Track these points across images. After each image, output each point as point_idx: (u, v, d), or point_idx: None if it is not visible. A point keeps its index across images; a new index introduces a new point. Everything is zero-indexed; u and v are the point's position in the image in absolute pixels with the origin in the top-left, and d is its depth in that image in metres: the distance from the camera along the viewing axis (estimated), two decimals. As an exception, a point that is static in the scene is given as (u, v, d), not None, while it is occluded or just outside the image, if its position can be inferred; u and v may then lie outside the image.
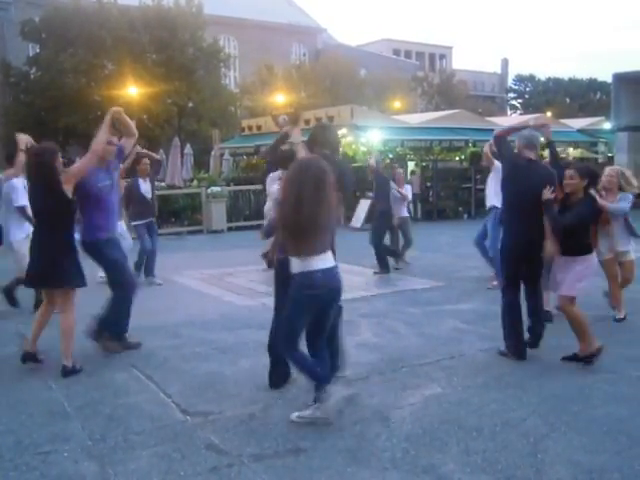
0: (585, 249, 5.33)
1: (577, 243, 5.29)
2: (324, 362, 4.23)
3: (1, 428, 4.11)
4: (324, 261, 4.02)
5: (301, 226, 3.89)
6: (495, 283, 7.91)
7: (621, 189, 6.52)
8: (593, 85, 64.67)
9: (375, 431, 4.02)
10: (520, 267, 5.51)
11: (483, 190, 21.51)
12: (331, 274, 4.06)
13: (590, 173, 5.37)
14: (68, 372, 5.12)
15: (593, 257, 5.44)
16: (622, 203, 6.47)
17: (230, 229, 16.83)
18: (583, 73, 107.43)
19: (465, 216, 20.01)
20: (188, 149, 23.24)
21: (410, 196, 10.82)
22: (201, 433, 4.02)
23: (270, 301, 7.99)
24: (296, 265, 4.03)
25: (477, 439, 3.90)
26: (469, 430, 4.02)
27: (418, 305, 7.64)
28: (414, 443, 3.84)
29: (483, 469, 3.52)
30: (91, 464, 3.61)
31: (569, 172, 5.30)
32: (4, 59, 36.72)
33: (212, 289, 8.96)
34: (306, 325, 4.15)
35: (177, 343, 6.12)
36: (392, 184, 10.24)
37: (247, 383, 4.93)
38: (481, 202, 20.52)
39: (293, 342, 4.09)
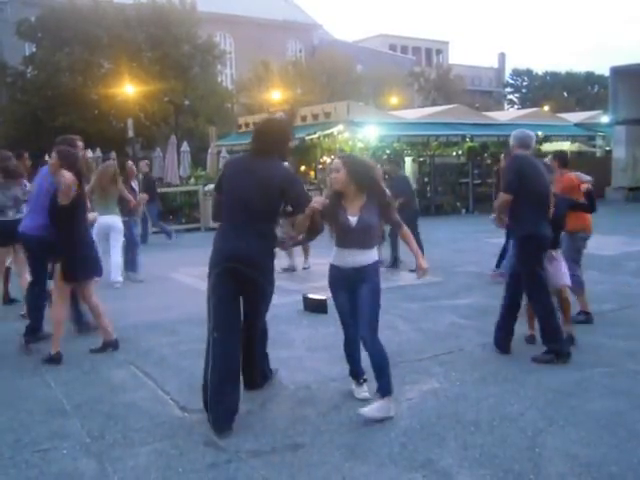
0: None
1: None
2: None
3: (1, 426, 4.12)
4: None
5: None
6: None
7: None
8: (590, 79, 64.69)
9: (373, 426, 4.02)
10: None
11: (480, 185, 21.51)
12: None
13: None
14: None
15: None
16: None
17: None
18: (580, 67, 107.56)
19: (463, 211, 20.04)
20: (185, 147, 23.23)
21: None
22: (199, 430, 4.02)
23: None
24: None
25: (475, 433, 3.91)
26: (467, 425, 4.03)
27: (416, 300, 7.65)
28: (412, 438, 3.85)
29: (481, 463, 3.53)
30: (90, 461, 3.62)
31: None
32: (0, 58, 36.66)
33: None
34: None
35: (174, 340, 6.12)
36: None
37: (245, 380, 4.93)
38: (479, 197, 20.66)
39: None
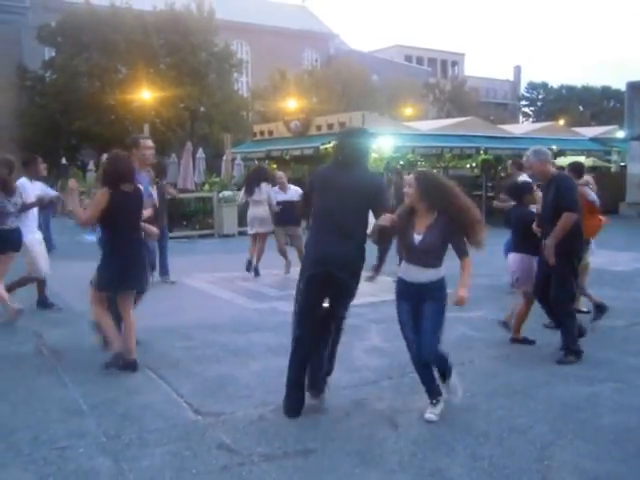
0: None
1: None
2: None
3: (19, 424, 4.21)
4: None
5: None
6: None
7: None
8: (607, 93, 64.64)
9: (383, 434, 4.08)
10: None
11: (493, 198, 21.54)
12: None
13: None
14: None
15: None
16: None
17: (241, 233, 16.91)
18: (597, 81, 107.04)
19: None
20: (200, 153, 23.42)
21: None
22: (213, 433, 4.10)
23: (280, 304, 8.12)
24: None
25: (484, 444, 3.95)
26: (476, 435, 4.08)
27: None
28: (421, 447, 3.90)
29: (490, 474, 3.58)
30: (106, 460, 3.71)
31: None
32: (20, 63, 37.23)
33: (223, 292, 9.05)
34: None
35: (188, 345, 6.20)
36: None
37: (258, 385, 5.01)
38: (491, 210, 20.63)
39: None
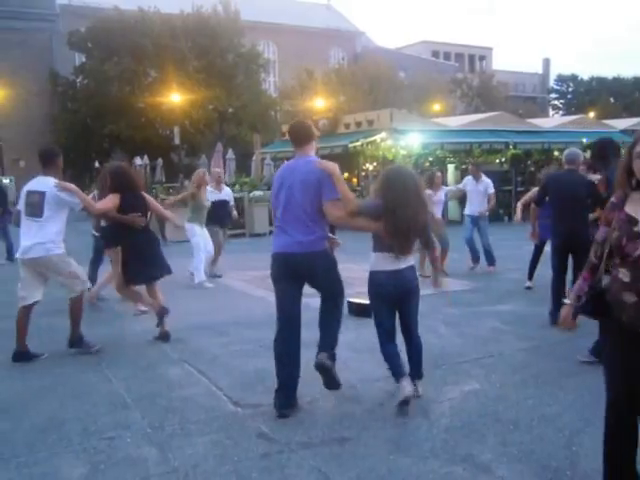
0: None
1: None
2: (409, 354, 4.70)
3: (69, 416, 4.45)
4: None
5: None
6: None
7: None
8: (638, 84, 63.42)
9: (416, 423, 4.22)
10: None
11: (524, 192, 21.48)
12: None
13: None
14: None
15: None
16: None
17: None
18: (628, 72, 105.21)
19: (506, 219, 19.97)
20: (230, 154, 23.75)
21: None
22: (252, 423, 4.28)
23: (311, 301, 8.25)
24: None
25: (514, 432, 4.07)
26: (506, 423, 4.20)
27: (457, 306, 7.78)
28: (453, 434, 4.04)
29: (519, 459, 3.70)
30: (152, 449, 3.91)
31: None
32: (52, 69, 38.00)
33: (256, 290, 9.24)
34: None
35: (225, 341, 6.41)
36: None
37: (293, 378, 5.17)
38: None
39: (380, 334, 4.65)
